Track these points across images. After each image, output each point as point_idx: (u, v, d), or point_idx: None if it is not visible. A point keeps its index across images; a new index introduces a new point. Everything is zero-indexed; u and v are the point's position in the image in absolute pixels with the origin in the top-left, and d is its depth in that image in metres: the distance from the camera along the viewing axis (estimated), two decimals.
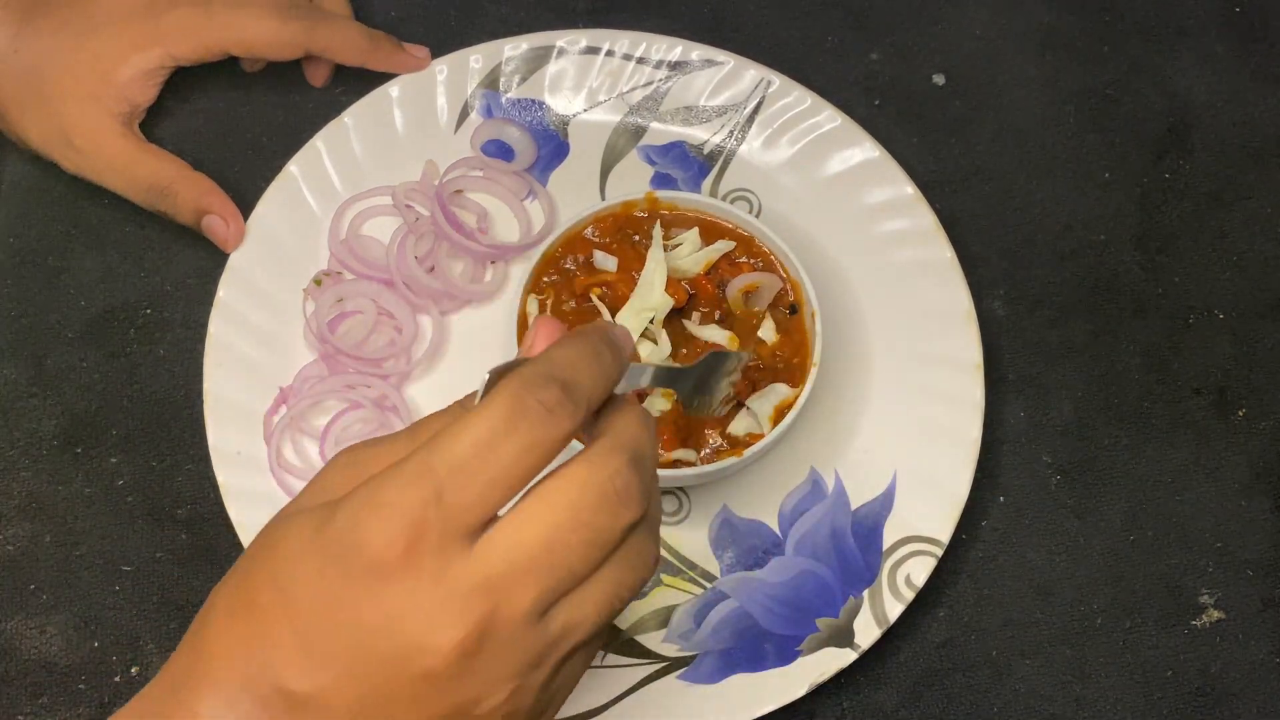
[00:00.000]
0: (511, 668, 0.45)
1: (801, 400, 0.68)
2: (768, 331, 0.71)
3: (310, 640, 0.45)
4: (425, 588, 0.44)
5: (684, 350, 0.71)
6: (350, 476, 0.46)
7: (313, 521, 0.45)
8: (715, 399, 0.62)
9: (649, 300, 0.69)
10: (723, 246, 0.72)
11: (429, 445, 0.44)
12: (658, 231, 0.71)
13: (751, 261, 0.72)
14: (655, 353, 0.69)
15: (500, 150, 0.78)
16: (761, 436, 0.68)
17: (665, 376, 0.56)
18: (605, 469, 0.45)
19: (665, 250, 0.71)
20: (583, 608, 0.46)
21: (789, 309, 0.71)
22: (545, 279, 0.71)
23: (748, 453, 0.67)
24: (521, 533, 0.44)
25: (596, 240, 0.72)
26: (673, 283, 0.70)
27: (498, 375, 0.44)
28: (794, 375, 0.70)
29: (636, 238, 0.72)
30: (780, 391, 0.69)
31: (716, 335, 0.70)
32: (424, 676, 0.44)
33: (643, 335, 0.70)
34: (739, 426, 0.69)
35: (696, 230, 0.72)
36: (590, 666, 0.68)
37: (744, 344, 0.71)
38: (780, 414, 0.69)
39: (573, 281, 0.71)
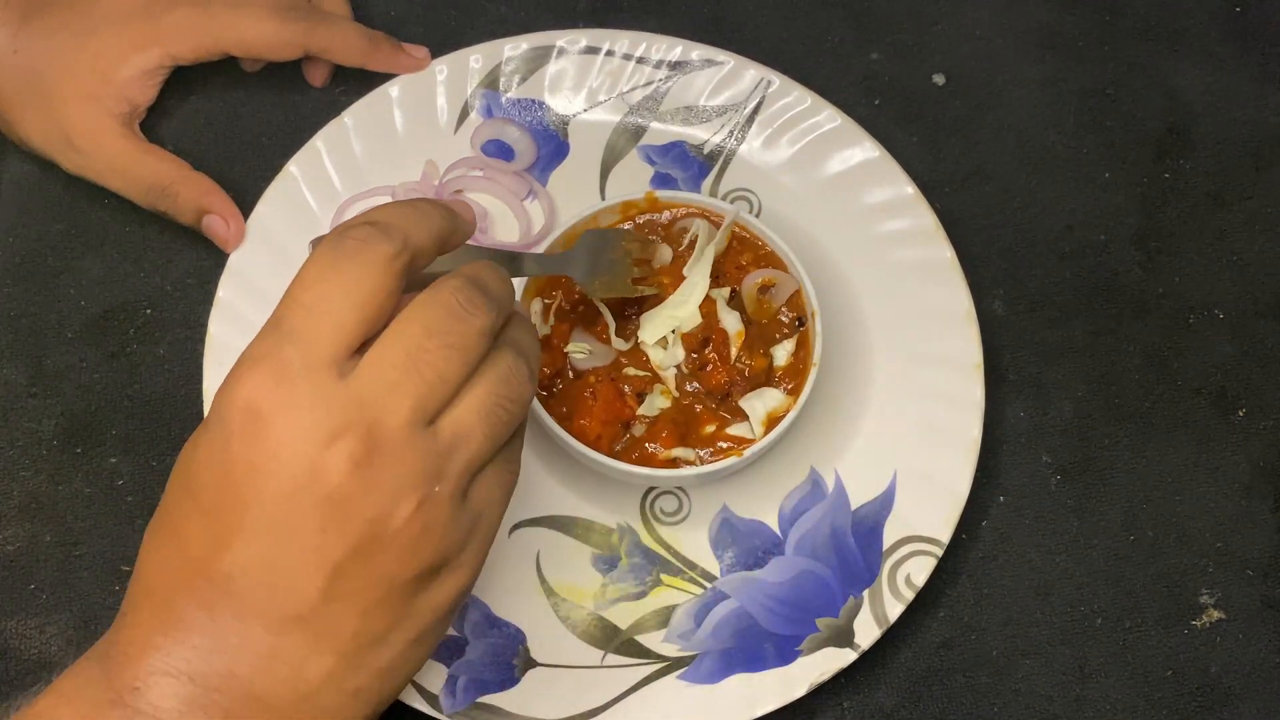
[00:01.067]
0: (409, 478, 0.48)
1: (801, 400, 0.68)
2: (783, 351, 0.70)
3: (211, 511, 0.48)
4: (303, 414, 0.47)
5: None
6: None
7: (202, 425, 0.49)
8: (620, 275, 0.64)
9: (680, 310, 0.69)
10: (730, 218, 0.71)
11: (274, 310, 0.49)
12: (709, 250, 0.70)
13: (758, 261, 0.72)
14: (666, 358, 0.69)
15: (500, 150, 0.78)
16: (754, 441, 0.68)
17: (551, 263, 0.63)
18: (445, 288, 0.50)
19: (675, 247, 0.71)
20: (466, 415, 0.49)
21: (797, 321, 0.71)
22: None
23: (747, 452, 0.67)
24: (383, 352, 0.48)
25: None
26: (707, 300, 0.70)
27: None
28: (793, 376, 0.70)
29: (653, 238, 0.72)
30: (772, 395, 0.69)
31: (730, 321, 0.70)
32: (326, 500, 0.47)
33: (658, 343, 0.70)
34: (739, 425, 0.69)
35: (705, 221, 0.72)
36: (590, 666, 0.68)
37: (760, 353, 0.70)
38: (773, 418, 0.69)
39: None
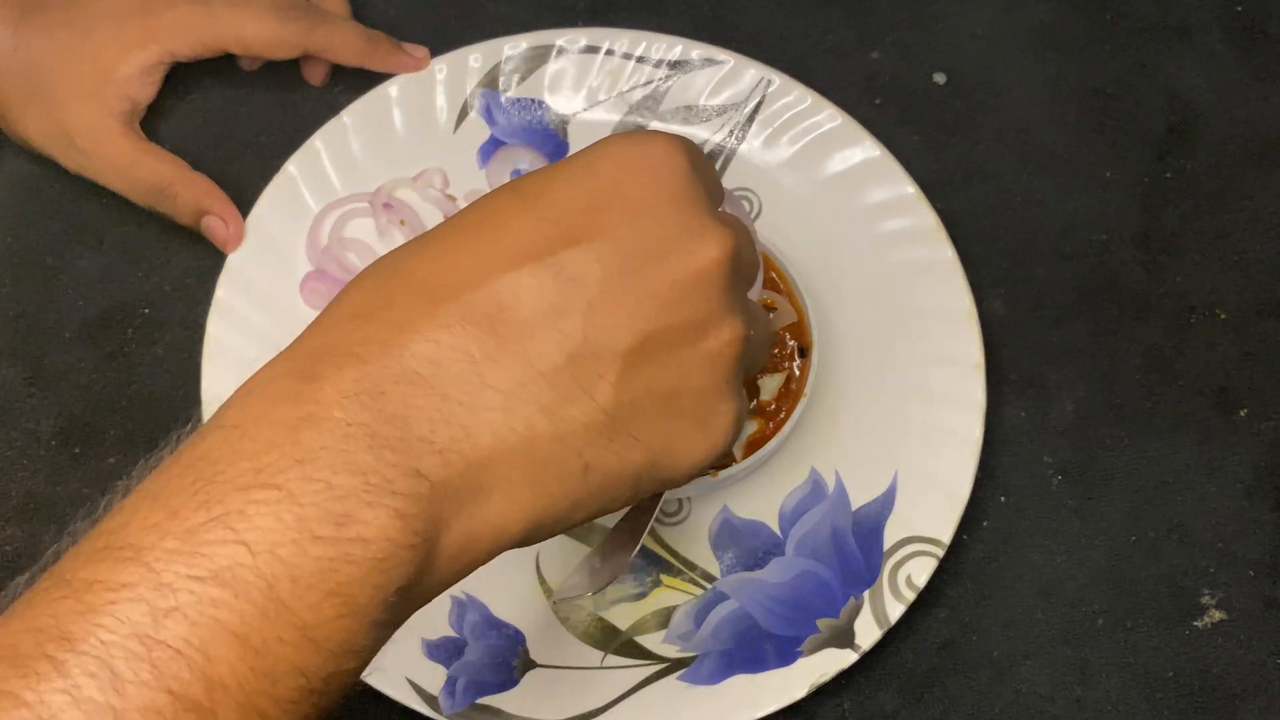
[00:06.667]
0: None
1: (802, 404, 0.68)
2: (772, 384, 0.70)
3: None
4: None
5: None
6: None
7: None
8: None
9: None
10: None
11: None
12: None
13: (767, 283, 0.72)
14: None
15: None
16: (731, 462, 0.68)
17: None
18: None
19: None
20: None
21: (799, 350, 0.70)
22: None
23: (721, 474, 0.67)
24: None
25: None
26: None
27: None
28: (779, 405, 0.70)
29: None
30: (750, 426, 0.69)
31: None
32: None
33: None
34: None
35: None
36: (589, 667, 0.68)
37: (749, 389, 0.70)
38: (753, 440, 0.68)
39: None
